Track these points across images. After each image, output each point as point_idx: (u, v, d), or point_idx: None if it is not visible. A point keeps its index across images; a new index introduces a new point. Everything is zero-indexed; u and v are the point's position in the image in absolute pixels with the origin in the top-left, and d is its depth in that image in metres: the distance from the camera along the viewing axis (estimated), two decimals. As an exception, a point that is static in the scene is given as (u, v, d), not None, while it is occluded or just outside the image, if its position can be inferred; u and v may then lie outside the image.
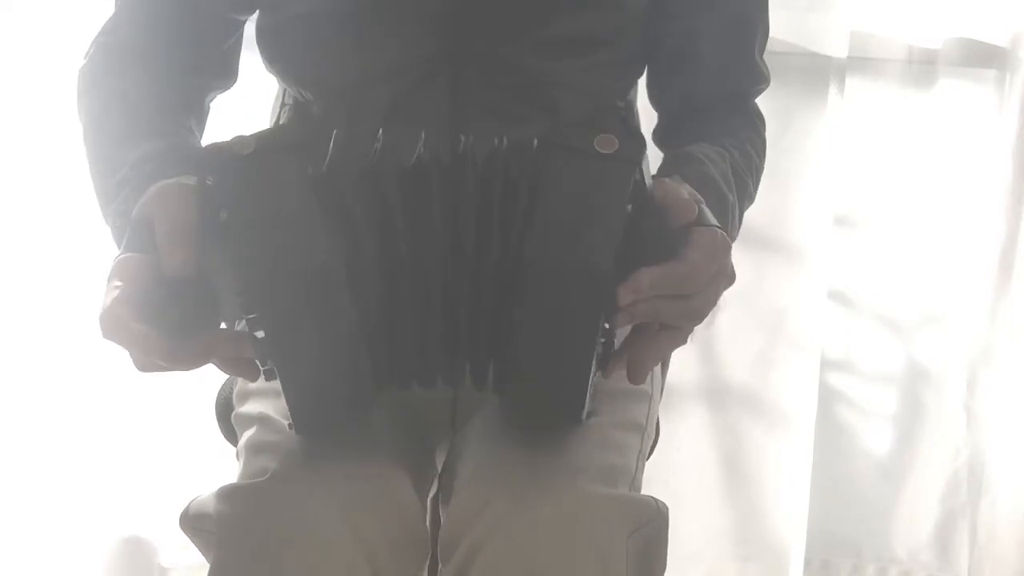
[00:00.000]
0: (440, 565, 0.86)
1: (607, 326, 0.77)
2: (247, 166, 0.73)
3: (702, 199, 0.82)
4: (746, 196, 1.02)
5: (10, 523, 1.66)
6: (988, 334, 1.73)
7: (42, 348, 1.63)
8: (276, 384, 0.79)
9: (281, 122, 1.08)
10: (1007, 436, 1.74)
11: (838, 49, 1.66)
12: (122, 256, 0.79)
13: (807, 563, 1.80)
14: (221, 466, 1.01)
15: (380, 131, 0.79)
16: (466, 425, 0.95)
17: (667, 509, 0.85)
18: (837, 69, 1.66)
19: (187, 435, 1.64)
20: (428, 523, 1.08)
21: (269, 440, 0.86)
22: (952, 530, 1.79)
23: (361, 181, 0.77)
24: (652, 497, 0.85)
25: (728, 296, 0.82)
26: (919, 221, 1.73)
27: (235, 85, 1.10)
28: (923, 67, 1.69)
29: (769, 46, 1.11)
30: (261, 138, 0.75)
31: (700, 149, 0.99)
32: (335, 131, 0.78)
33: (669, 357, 1.16)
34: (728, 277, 0.81)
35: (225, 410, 1.05)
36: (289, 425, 0.82)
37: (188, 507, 0.86)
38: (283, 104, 1.09)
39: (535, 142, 0.77)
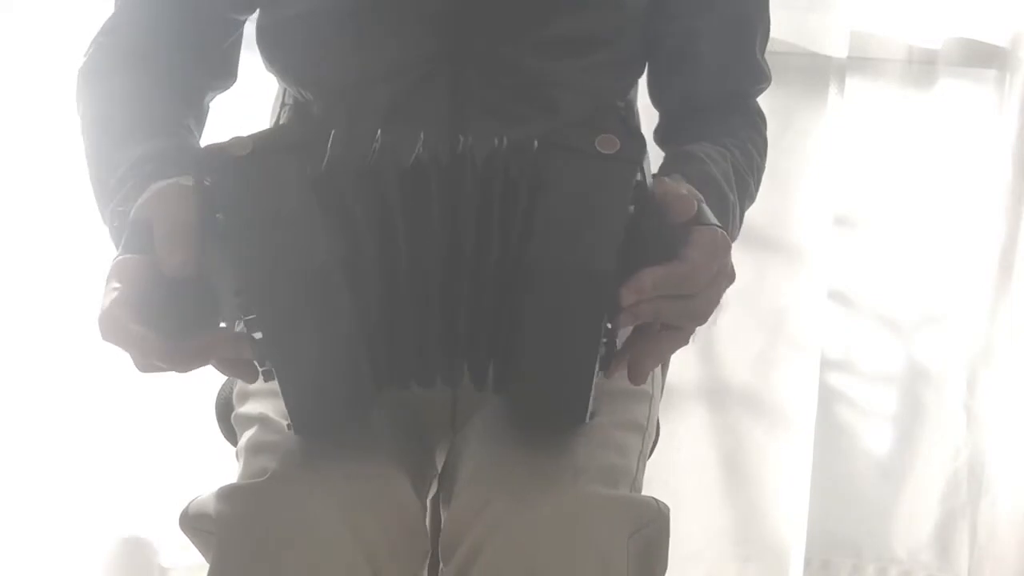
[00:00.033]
0: (441, 565, 0.85)
1: (609, 326, 0.77)
2: (245, 167, 0.73)
3: (702, 197, 0.82)
4: (747, 195, 1.02)
5: (10, 523, 1.66)
6: (988, 334, 1.73)
7: (42, 349, 1.63)
8: (275, 384, 0.79)
9: (281, 122, 1.08)
10: (1007, 436, 1.74)
11: (838, 49, 1.66)
12: (120, 257, 0.79)
13: (807, 563, 1.80)
14: (221, 466, 1.01)
15: (379, 131, 0.79)
16: (466, 425, 0.95)
17: (668, 510, 0.85)
18: (837, 69, 1.66)
19: (187, 435, 1.64)
20: (428, 523, 1.09)
21: (269, 440, 0.86)
22: (952, 530, 1.79)
23: (360, 181, 0.77)
24: (653, 498, 0.85)
25: (728, 296, 0.82)
26: (919, 221, 1.73)
27: (235, 85, 1.10)
28: (923, 67, 1.69)
29: (769, 46, 1.11)
30: (259, 139, 0.75)
31: (701, 148, 0.99)
32: (333, 131, 0.78)
33: (669, 357, 1.16)
34: (729, 276, 0.81)
35: (225, 410, 1.05)
36: (288, 426, 0.82)
37: (188, 507, 0.86)
38: (283, 104, 1.09)
39: (535, 143, 0.77)
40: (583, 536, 0.79)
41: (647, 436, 0.98)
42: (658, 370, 1.10)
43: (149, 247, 0.77)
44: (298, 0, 1.01)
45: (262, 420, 0.90)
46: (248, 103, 1.21)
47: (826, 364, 1.77)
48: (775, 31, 1.11)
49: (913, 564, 1.82)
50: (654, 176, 0.80)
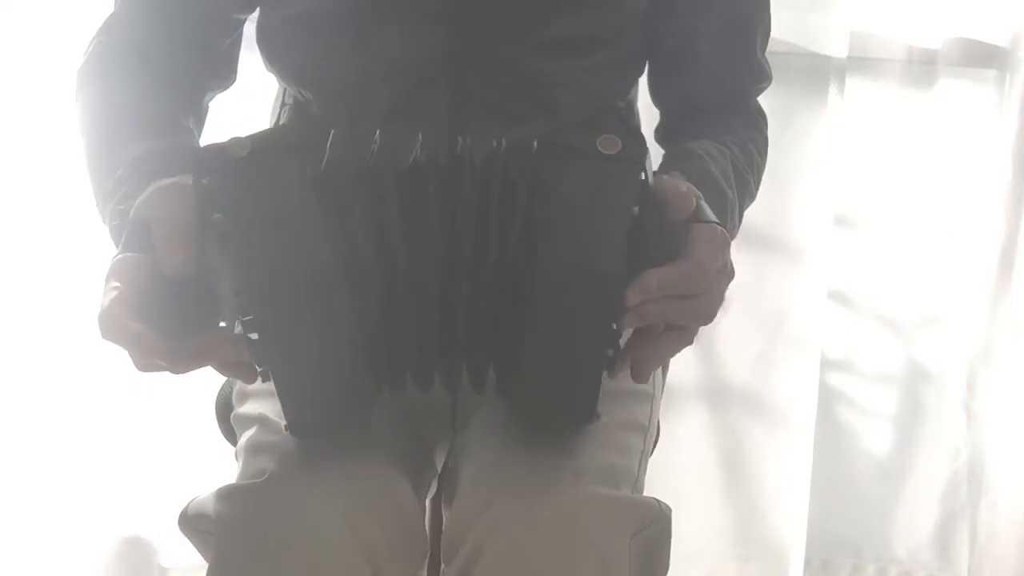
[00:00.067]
0: (443, 566, 0.85)
1: (615, 327, 0.77)
2: (244, 167, 0.73)
3: (700, 194, 0.82)
4: (747, 194, 1.02)
5: (10, 523, 1.66)
6: (988, 334, 1.73)
7: (42, 348, 1.63)
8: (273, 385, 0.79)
9: (281, 122, 1.08)
10: (1007, 436, 1.74)
11: (838, 49, 1.66)
12: (120, 256, 0.78)
13: (807, 563, 1.80)
14: (221, 466, 1.01)
15: (378, 132, 0.79)
16: (467, 426, 0.94)
17: (670, 511, 0.85)
18: (837, 69, 1.66)
19: (187, 435, 1.64)
20: (428, 523, 1.09)
21: (268, 441, 0.86)
22: (952, 530, 1.79)
23: (359, 182, 0.76)
24: (655, 499, 0.85)
25: (729, 296, 0.82)
26: (919, 221, 1.73)
27: (235, 85, 1.10)
28: (923, 67, 1.69)
29: (769, 46, 1.11)
30: (258, 139, 0.74)
31: (700, 145, 0.99)
32: (333, 132, 0.78)
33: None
34: (729, 274, 0.81)
35: (225, 410, 1.05)
36: (285, 426, 0.82)
37: (187, 507, 0.86)
38: (283, 104, 1.09)
39: (535, 144, 0.76)
40: (584, 537, 0.79)
41: (648, 436, 0.98)
42: (659, 370, 1.09)
43: (149, 246, 0.77)
44: (298, 0, 1.01)
45: (261, 420, 0.90)
46: (248, 103, 1.21)
47: (826, 364, 1.77)
48: (775, 31, 1.11)
49: (913, 564, 1.82)
50: (653, 174, 0.80)
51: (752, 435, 1.76)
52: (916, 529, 1.80)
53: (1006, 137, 1.69)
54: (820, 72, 1.66)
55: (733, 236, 0.97)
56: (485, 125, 0.99)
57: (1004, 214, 1.70)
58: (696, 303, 0.78)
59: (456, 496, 0.85)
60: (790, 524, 1.76)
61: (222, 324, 0.79)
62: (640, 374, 0.81)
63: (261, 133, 0.76)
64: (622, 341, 0.81)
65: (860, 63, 1.69)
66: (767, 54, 1.11)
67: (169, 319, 0.75)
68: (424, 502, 0.95)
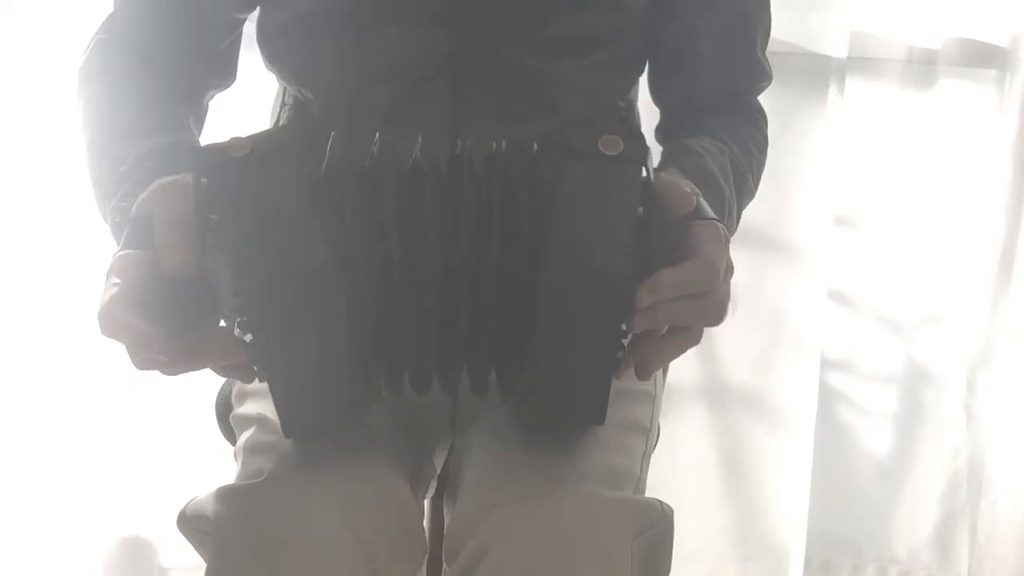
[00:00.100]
0: (445, 566, 0.85)
1: (624, 328, 0.77)
2: (243, 168, 0.73)
3: (699, 191, 0.82)
4: (745, 192, 1.02)
5: (10, 523, 1.66)
6: (988, 334, 1.73)
7: (42, 348, 1.63)
8: None
9: (281, 122, 1.08)
10: (1007, 436, 1.74)
11: (838, 49, 1.66)
12: (121, 252, 0.78)
13: (807, 563, 1.80)
14: (221, 466, 1.00)
15: (377, 134, 0.79)
16: (469, 427, 0.94)
17: (672, 512, 0.85)
18: (837, 69, 1.66)
19: (187, 435, 1.64)
20: (427, 523, 1.09)
21: (267, 441, 0.86)
22: (952, 530, 1.79)
23: (358, 184, 0.76)
24: (657, 500, 0.85)
25: (735, 295, 0.82)
26: (919, 221, 1.73)
27: (235, 85, 1.10)
28: (923, 67, 1.69)
29: (769, 46, 1.11)
30: (258, 139, 0.74)
31: (699, 142, 0.99)
32: (333, 133, 0.78)
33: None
34: (730, 270, 0.81)
35: (225, 410, 1.05)
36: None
37: (185, 508, 0.85)
38: (283, 104, 1.09)
39: (535, 146, 0.76)
40: (587, 538, 0.79)
41: (650, 437, 0.98)
42: (659, 370, 1.09)
43: (150, 243, 0.77)
44: (298, 0, 1.01)
45: (260, 421, 0.90)
46: (248, 103, 1.21)
47: (826, 364, 1.77)
48: (775, 31, 1.11)
49: (913, 564, 1.82)
50: (654, 171, 0.80)
51: (752, 435, 1.76)
52: (916, 529, 1.80)
53: (1006, 137, 1.69)
54: (820, 72, 1.66)
55: (731, 234, 0.96)
56: (485, 125, 0.99)
57: (1004, 214, 1.70)
58: (705, 302, 0.78)
59: (459, 498, 0.85)
60: (790, 524, 1.76)
61: (222, 324, 0.79)
62: (644, 371, 0.81)
63: (262, 133, 0.75)
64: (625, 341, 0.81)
65: (860, 63, 1.69)
66: (767, 54, 1.11)
67: (169, 317, 0.75)
68: (423, 502, 0.95)
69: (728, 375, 1.75)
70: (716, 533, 1.78)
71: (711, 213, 0.81)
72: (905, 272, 1.75)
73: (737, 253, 0.82)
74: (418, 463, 0.93)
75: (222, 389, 1.10)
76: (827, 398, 1.78)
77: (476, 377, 0.84)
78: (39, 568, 1.68)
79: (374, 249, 0.77)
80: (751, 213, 1.05)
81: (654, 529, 0.83)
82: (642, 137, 1.10)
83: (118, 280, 0.75)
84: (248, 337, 0.75)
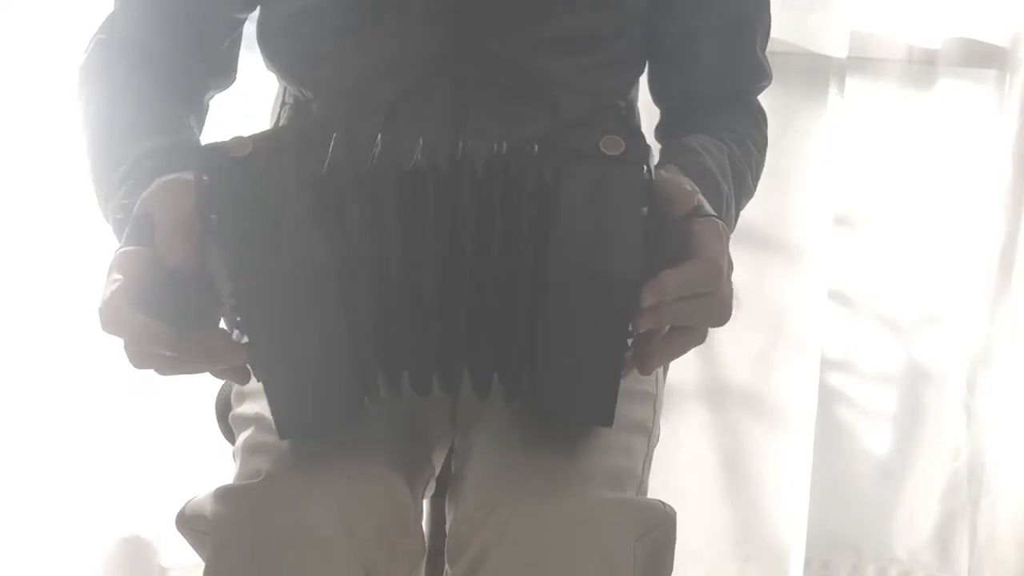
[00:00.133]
0: (447, 567, 0.85)
1: (631, 328, 0.77)
2: (243, 168, 0.73)
3: (698, 189, 0.82)
4: (744, 191, 1.02)
5: (10, 523, 1.66)
6: (988, 334, 1.73)
7: (42, 348, 1.63)
8: None
9: (281, 122, 1.08)
10: (1007, 436, 1.74)
11: (838, 49, 1.66)
12: (123, 249, 0.78)
13: (807, 563, 1.79)
14: (221, 466, 1.00)
15: (379, 135, 0.79)
16: (471, 428, 0.94)
17: (675, 513, 0.85)
18: (837, 69, 1.66)
19: (187, 435, 1.64)
20: (427, 523, 1.08)
21: (265, 441, 0.86)
22: (952, 530, 1.79)
23: (359, 185, 0.76)
24: (660, 501, 0.85)
25: (738, 295, 0.82)
26: (919, 221, 1.73)
27: (235, 85, 1.09)
28: (923, 67, 1.69)
29: (769, 46, 1.11)
30: (259, 139, 0.74)
31: (697, 140, 0.99)
32: (335, 134, 0.78)
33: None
34: (731, 268, 0.81)
35: (225, 410, 1.05)
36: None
37: (184, 508, 0.86)
38: (283, 104, 1.09)
39: (535, 147, 0.76)
40: (590, 540, 0.79)
41: (652, 437, 0.98)
42: (659, 370, 1.09)
43: (151, 241, 0.77)
44: None
45: (259, 421, 0.90)
46: (248, 103, 1.21)
47: (826, 364, 1.76)
48: (775, 31, 1.11)
49: (913, 564, 1.82)
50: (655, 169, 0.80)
51: (752, 435, 1.76)
52: (916, 529, 1.80)
53: (1006, 137, 1.69)
54: (820, 72, 1.66)
55: (730, 232, 0.96)
56: (485, 125, 0.98)
57: (1004, 214, 1.70)
58: (709, 303, 0.78)
59: (461, 499, 0.85)
60: (790, 524, 1.76)
61: (222, 323, 0.79)
62: (645, 367, 0.80)
63: (263, 133, 0.75)
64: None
65: (860, 63, 1.69)
66: (767, 54, 1.11)
67: (169, 314, 0.75)
68: (421, 502, 0.94)
69: (728, 375, 1.75)
70: (716, 533, 1.78)
71: (711, 210, 0.81)
72: (905, 272, 1.74)
73: (737, 253, 0.82)
74: (417, 463, 0.93)
75: (222, 389, 1.10)
76: (827, 398, 1.78)
77: (478, 378, 0.84)
78: (39, 568, 1.68)
79: (374, 250, 0.77)
80: (751, 213, 1.05)
81: (657, 531, 0.83)
82: (643, 137, 1.10)
83: (119, 276, 0.75)
84: (247, 337, 0.75)
